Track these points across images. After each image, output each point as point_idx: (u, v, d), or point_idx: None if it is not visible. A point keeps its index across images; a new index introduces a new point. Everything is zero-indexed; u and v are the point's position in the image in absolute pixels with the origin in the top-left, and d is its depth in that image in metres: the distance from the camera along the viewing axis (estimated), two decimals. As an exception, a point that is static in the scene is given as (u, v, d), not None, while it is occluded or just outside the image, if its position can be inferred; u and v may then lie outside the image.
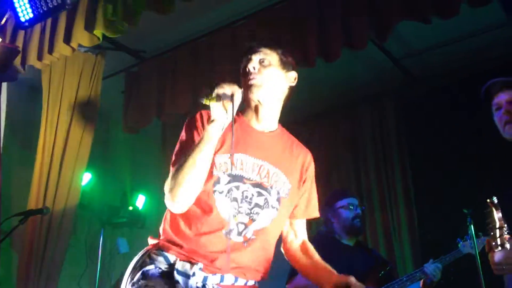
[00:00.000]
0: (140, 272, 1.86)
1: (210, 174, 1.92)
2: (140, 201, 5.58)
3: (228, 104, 1.86)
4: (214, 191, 1.93)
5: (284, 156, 2.12)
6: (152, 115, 4.52)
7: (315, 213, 2.23)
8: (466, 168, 4.65)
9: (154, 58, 4.70)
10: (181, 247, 1.91)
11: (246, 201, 1.95)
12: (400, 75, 5.05)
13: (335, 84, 5.16)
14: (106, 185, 5.40)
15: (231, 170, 1.95)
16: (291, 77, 2.14)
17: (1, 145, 4.34)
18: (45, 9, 3.00)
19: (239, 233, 1.92)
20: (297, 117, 5.74)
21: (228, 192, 1.93)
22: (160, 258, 1.91)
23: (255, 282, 2.01)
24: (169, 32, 4.41)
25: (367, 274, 3.42)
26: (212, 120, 1.88)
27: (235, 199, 1.93)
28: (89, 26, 3.70)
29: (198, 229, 1.92)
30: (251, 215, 1.94)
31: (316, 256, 2.16)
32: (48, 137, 4.39)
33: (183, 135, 2.04)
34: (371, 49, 4.38)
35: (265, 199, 1.98)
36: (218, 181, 1.94)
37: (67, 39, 3.81)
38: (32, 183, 4.32)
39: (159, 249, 1.95)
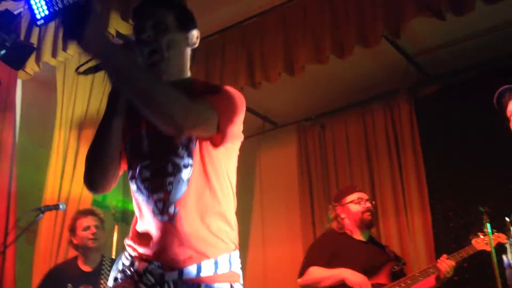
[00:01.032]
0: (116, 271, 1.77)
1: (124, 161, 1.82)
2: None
3: None
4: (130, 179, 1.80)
5: None
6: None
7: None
8: (481, 167, 4.62)
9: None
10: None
11: (158, 175, 1.72)
12: (414, 72, 5.03)
13: (348, 81, 5.15)
14: (120, 181, 5.41)
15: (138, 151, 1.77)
16: (192, 37, 1.86)
17: (16, 142, 4.39)
18: (60, 6, 3.02)
19: (161, 211, 1.70)
20: (310, 114, 5.75)
21: (139, 173, 1.75)
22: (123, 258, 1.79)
23: (198, 267, 1.66)
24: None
25: (380, 269, 3.41)
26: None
27: (146, 179, 1.74)
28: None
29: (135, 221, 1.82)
30: (164, 188, 1.70)
31: None
32: (63, 134, 4.43)
33: None
34: (384, 46, 4.36)
35: (173, 163, 1.71)
36: (130, 166, 1.80)
37: (82, 36, 3.83)
38: (47, 180, 4.37)
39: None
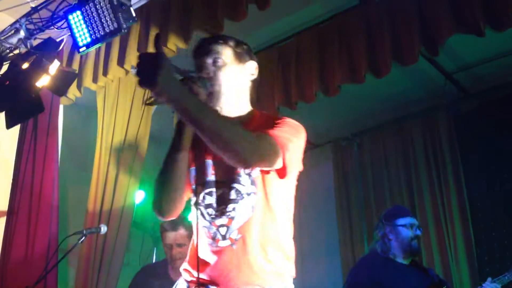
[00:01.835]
0: None
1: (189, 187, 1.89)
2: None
3: None
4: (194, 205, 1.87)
5: None
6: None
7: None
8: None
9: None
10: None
11: (221, 202, 1.81)
12: (453, 89, 4.95)
13: (385, 99, 5.11)
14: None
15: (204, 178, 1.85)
16: (250, 68, 1.95)
17: (59, 165, 4.48)
18: (102, 33, 3.11)
19: (223, 237, 1.78)
20: (346, 133, 5.72)
21: (202, 200, 1.84)
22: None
23: None
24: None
25: (423, 293, 3.33)
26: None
27: (209, 205, 1.82)
28: (142, 48, 3.81)
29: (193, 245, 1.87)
30: (227, 213, 1.78)
31: None
32: (103, 157, 4.50)
33: None
34: (422, 63, 4.31)
35: (236, 190, 1.80)
36: (194, 193, 1.88)
37: (121, 61, 3.92)
38: (88, 202, 4.43)
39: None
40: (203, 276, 1.78)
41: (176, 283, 1.89)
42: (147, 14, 3.85)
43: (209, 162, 1.86)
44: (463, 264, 4.68)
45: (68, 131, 4.82)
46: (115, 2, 3.16)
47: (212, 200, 1.82)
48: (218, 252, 1.77)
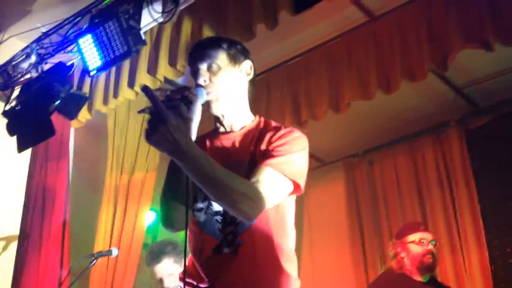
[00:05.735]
0: None
1: None
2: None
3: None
4: (194, 210, 1.83)
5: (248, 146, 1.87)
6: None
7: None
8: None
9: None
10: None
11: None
12: (463, 103, 4.93)
13: (395, 115, 5.09)
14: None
15: None
16: (246, 68, 1.92)
17: (70, 188, 4.48)
18: (112, 56, 3.13)
19: (229, 244, 1.74)
20: (357, 150, 5.69)
21: (207, 207, 1.81)
22: None
23: None
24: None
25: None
26: None
27: (217, 213, 1.79)
28: (152, 70, 3.82)
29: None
30: (236, 220, 1.74)
31: None
32: (114, 179, 4.51)
33: None
34: (432, 78, 4.30)
35: None
36: (196, 199, 1.84)
37: (131, 83, 3.94)
38: (99, 224, 4.43)
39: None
40: (204, 283, 1.75)
41: None
42: (157, 36, 3.87)
43: None
44: (478, 280, 4.60)
45: (78, 153, 4.83)
46: (125, 26, 3.19)
47: (219, 207, 1.77)
48: (221, 259, 1.74)
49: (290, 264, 1.79)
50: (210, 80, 1.83)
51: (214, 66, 1.84)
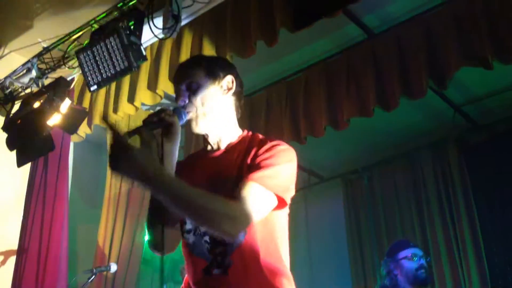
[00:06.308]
0: None
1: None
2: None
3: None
4: (183, 233, 1.81)
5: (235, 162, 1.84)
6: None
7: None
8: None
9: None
10: None
11: None
12: (462, 121, 4.95)
13: (394, 132, 5.11)
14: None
15: None
16: (227, 83, 1.89)
17: (68, 202, 4.48)
18: (112, 72, 3.14)
19: (219, 265, 1.71)
20: (355, 166, 5.69)
21: (196, 229, 1.78)
22: None
23: None
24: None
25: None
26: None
27: (205, 233, 1.75)
28: (152, 86, 3.84)
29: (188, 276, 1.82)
30: (222, 239, 1.70)
31: None
32: (113, 194, 4.51)
33: None
34: (430, 96, 4.32)
35: None
36: (185, 221, 1.81)
37: (131, 99, 3.95)
38: (98, 239, 4.42)
39: None
40: None
41: None
42: (157, 52, 3.89)
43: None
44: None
45: (78, 168, 4.83)
46: (126, 42, 3.20)
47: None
48: (212, 279, 1.71)
49: (285, 280, 1.75)
50: (189, 99, 1.82)
51: (193, 85, 1.83)
